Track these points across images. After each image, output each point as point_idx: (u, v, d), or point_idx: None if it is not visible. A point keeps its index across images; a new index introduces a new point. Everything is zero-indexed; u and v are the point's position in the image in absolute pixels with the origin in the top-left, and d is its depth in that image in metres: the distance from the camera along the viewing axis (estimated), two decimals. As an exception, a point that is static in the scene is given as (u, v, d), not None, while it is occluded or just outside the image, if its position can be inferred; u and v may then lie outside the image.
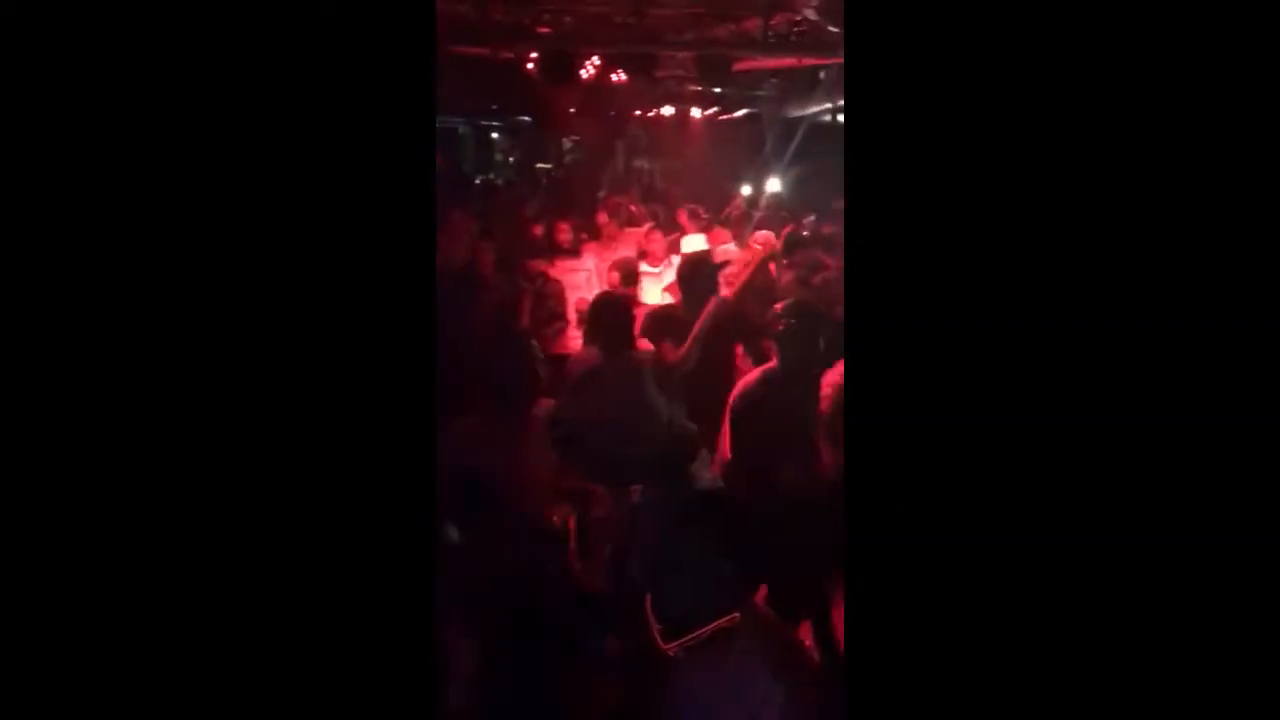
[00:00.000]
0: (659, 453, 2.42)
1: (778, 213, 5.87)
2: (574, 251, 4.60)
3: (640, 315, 3.33)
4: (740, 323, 3.38)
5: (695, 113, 8.60)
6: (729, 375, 3.29)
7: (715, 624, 1.26)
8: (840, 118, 8.27)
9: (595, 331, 2.96)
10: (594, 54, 4.99)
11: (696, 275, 3.39)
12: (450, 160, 9.59)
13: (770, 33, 4.48)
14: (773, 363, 2.66)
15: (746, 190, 6.71)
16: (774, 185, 6.76)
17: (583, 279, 4.42)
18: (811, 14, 3.36)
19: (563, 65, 4.72)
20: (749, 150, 8.25)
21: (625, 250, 4.62)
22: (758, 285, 3.71)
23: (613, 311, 2.94)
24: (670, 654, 1.28)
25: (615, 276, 3.91)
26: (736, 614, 1.27)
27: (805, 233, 5.33)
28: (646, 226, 5.65)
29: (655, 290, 4.22)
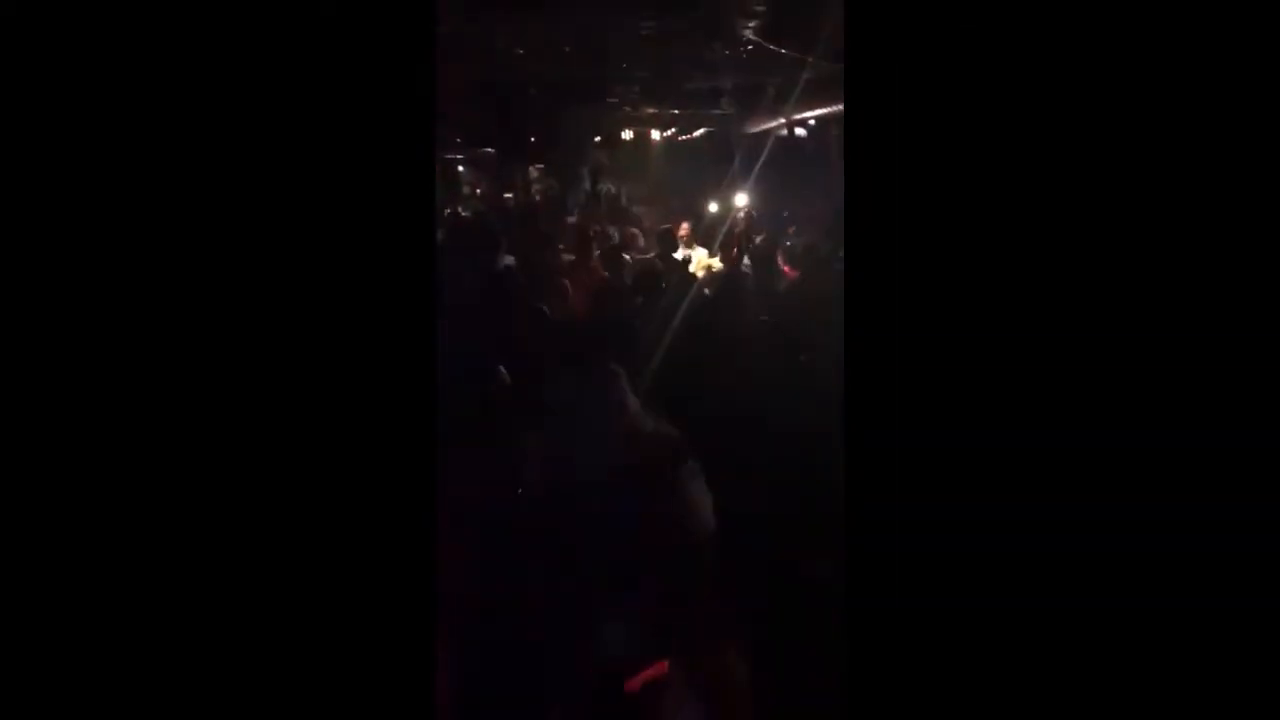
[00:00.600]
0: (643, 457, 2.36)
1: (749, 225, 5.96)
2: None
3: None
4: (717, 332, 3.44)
5: (655, 135, 8.73)
6: (702, 384, 3.34)
7: (643, 675, 1.24)
8: (799, 131, 8.41)
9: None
10: (545, 80, 5.07)
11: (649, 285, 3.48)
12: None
13: (717, 54, 4.58)
14: None
15: (714, 207, 6.82)
16: (741, 200, 6.89)
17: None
18: (752, 34, 3.46)
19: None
20: (711, 168, 8.35)
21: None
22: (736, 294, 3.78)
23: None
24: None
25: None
26: (665, 664, 1.25)
27: (788, 242, 5.43)
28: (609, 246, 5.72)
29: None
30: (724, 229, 5.53)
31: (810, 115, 7.07)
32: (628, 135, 8.66)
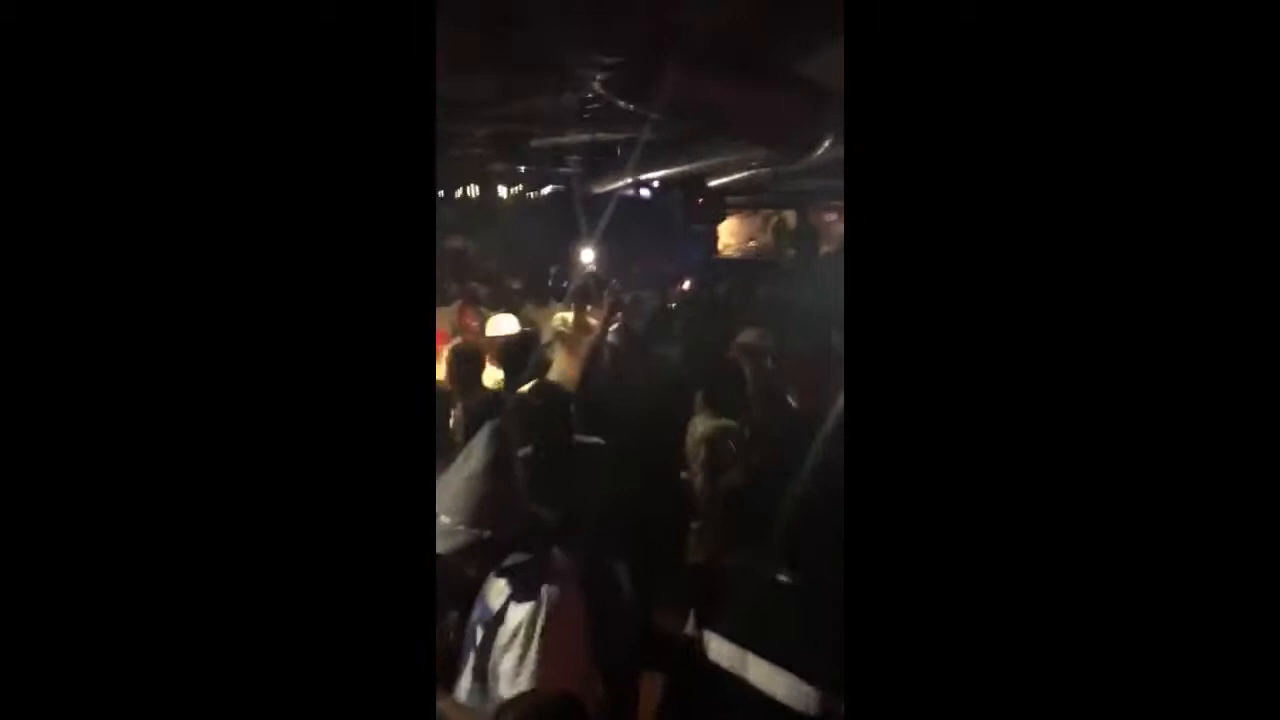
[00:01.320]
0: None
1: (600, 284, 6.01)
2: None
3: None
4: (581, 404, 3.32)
5: (501, 191, 8.69)
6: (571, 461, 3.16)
7: None
8: (643, 191, 8.66)
9: None
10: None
11: (519, 356, 3.40)
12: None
13: (562, 109, 4.62)
14: None
15: (553, 269, 6.86)
16: (588, 257, 6.98)
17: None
18: (600, 88, 3.51)
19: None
20: (559, 226, 8.42)
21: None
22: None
23: None
24: None
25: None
26: None
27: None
28: (456, 304, 5.60)
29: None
30: (570, 287, 5.54)
31: (655, 176, 7.30)
32: (474, 191, 8.58)
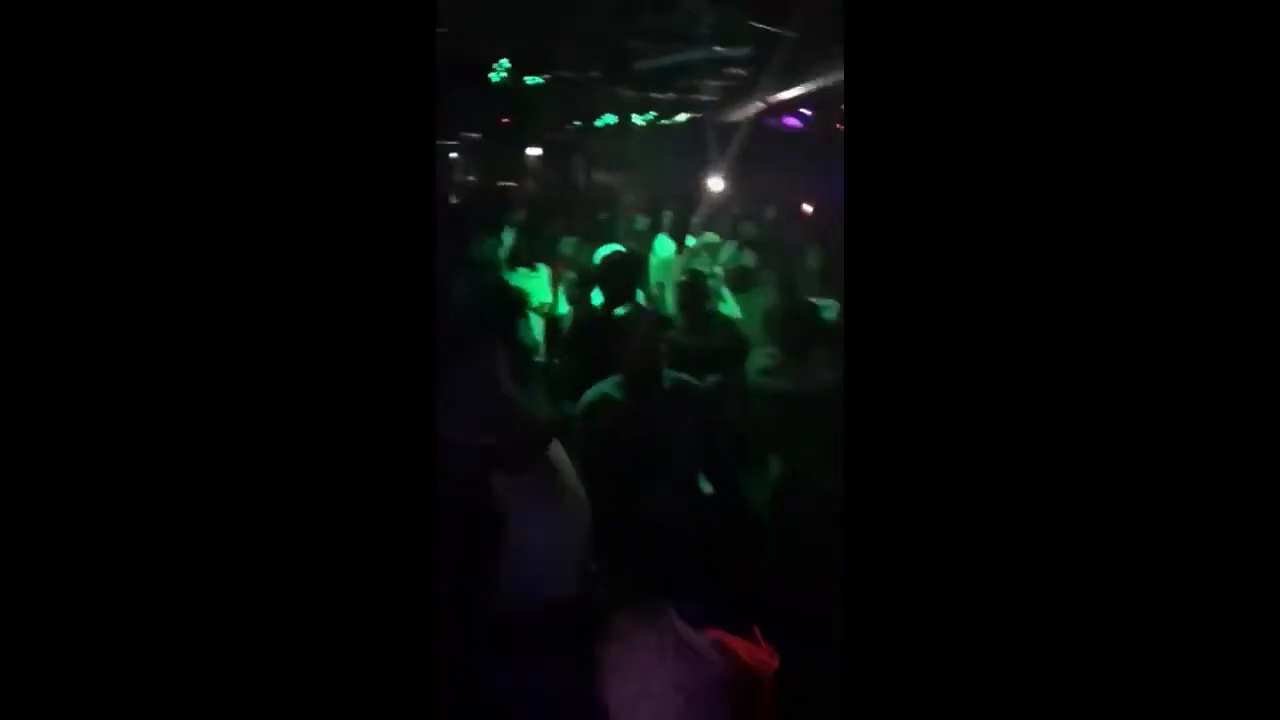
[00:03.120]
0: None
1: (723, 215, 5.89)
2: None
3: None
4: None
5: (637, 121, 8.72)
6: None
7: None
8: (785, 120, 8.33)
9: None
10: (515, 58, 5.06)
11: (614, 276, 3.41)
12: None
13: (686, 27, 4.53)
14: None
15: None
16: (717, 187, 6.82)
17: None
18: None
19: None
20: (694, 155, 8.30)
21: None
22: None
23: None
24: None
25: None
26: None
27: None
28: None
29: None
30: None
31: (791, 95, 6.95)
32: (611, 120, 8.67)
